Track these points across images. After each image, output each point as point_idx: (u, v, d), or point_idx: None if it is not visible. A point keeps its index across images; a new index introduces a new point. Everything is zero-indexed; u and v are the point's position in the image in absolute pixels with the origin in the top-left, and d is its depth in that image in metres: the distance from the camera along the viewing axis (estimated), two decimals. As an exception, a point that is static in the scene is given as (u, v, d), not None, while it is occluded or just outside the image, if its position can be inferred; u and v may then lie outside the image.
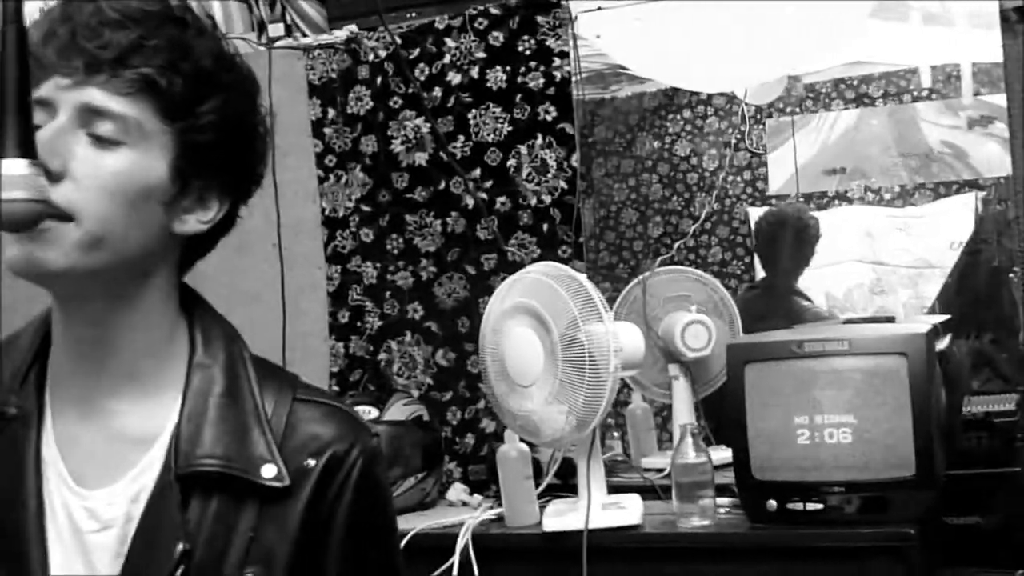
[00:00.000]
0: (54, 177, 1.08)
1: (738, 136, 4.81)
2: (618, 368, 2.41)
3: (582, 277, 2.47)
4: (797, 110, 4.75)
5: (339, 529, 1.19)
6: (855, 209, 4.62)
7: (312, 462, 1.17)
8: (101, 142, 1.11)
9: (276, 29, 3.18)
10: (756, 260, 4.44)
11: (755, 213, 4.60)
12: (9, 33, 1.03)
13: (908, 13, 2.76)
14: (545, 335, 2.44)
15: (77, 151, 1.10)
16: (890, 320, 2.82)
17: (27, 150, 1.02)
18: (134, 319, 1.17)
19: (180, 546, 1.11)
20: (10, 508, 1.14)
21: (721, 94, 4.62)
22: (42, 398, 1.18)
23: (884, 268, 4.25)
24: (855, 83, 4.70)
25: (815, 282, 4.07)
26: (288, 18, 3.23)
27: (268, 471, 1.15)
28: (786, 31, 3.11)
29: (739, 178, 4.84)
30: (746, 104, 4.70)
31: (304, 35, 3.20)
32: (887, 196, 4.63)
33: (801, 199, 4.66)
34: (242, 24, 3.22)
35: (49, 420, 1.18)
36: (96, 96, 1.11)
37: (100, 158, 1.11)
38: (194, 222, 1.18)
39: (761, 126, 4.81)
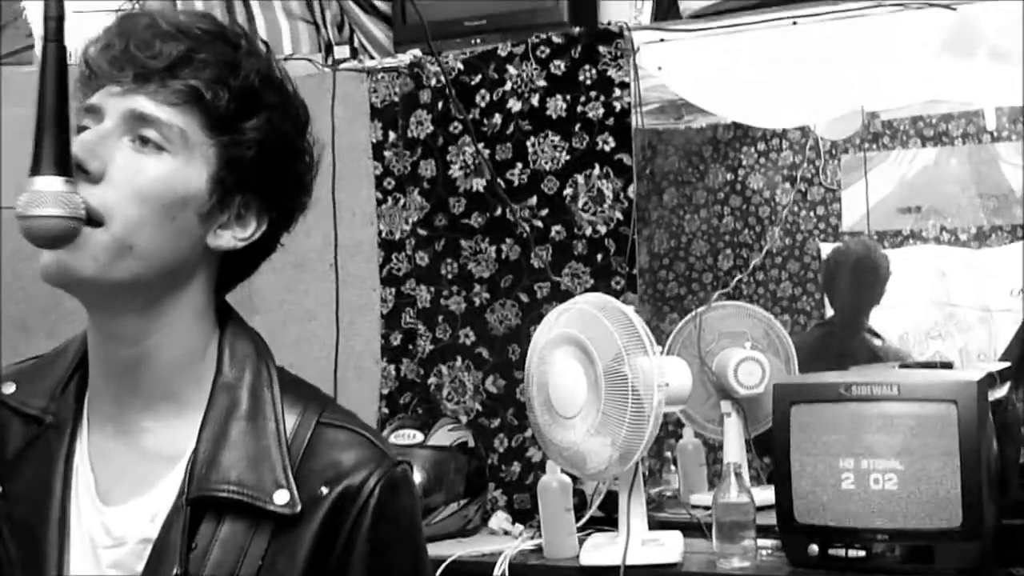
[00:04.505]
0: (92, 178, 1.09)
1: (812, 171, 4.76)
2: (662, 403, 2.39)
3: (629, 310, 2.45)
4: (873, 146, 4.69)
5: (359, 560, 1.17)
6: (928, 248, 4.55)
7: (325, 490, 1.16)
8: (143, 147, 1.13)
9: (342, 51, 3.21)
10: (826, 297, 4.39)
11: (827, 249, 4.54)
12: (49, 51, 1.05)
13: (975, 50, 2.71)
14: (589, 367, 2.43)
15: (118, 155, 1.12)
16: (947, 366, 2.77)
17: (63, 167, 1.04)
18: (166, 336, 1.17)
19: (175, 571, 1.11)
20: (35, 513, 1.15)
21: (797, 128, 4.58)
22: (80, 409, 1.20)
23: (952, 310, 4.17)
24: (934, 121, 4.63)
25: (884, 321, 4.00)
26: (355, 40, 3.26)
27: (280, 497, 1.14)
28: (859, 65, 3.07)
29: (812, 213, 4.79)
30: (821, 139, 4.65)
31: (370, 57, 3.22)
32: (963, 237, 4.55)
33: (874, 236, 4.59)
34: (309, 45, 3.25)
35: (85, 432, 1.19)
36: (143, 104, 1.13)
37: (140, 162, 1.12)
38: (230, 238, 1.19)
39: (836, 161, 4.76)
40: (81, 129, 1.13)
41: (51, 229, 1.03)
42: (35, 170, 1.03)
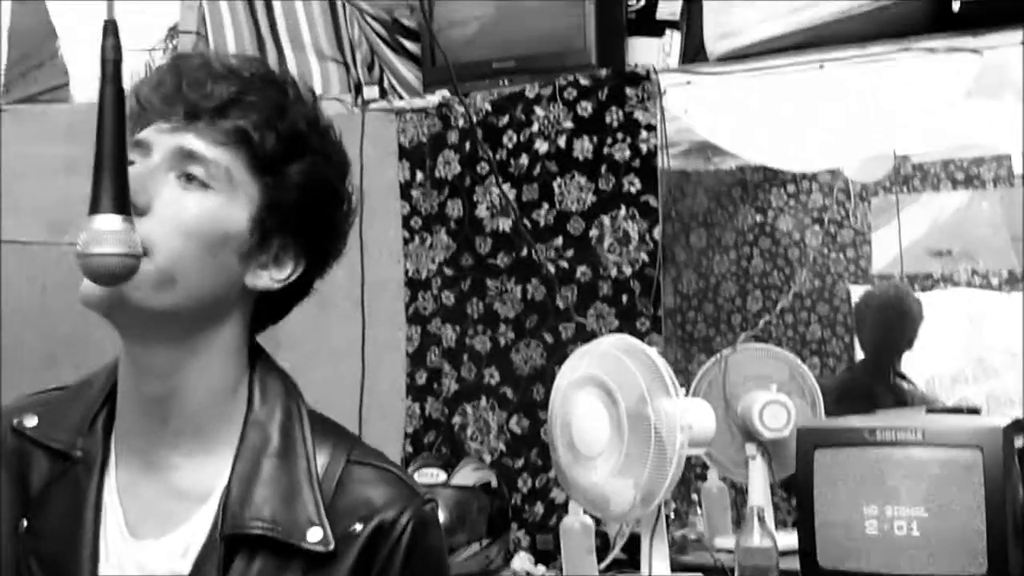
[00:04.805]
0: (138, 211, 1.11)
1: (842, 213, 4.75)
2: (684, 445, 2.38)
3: (653, 351, 2.45)
4: (904, 189, 4.67)
5: None
6: (959, 292, 4.52)
7: (359, 527, 1.17)
8: (189, 184, 1.15)
9: (371, 91, 3.24)
10: (856, 340, 4.36)
11: (857, 292, 4.53)
12: (108, 92, 1.08)
13: (1002, 94, 2.71)
14: (613, 408, 2.42)
15: (163, 190, 1.14)
16: (974, 411, 2.74)
17: (121, 206, 1.07)
18: (199, 371, 1.19)
19: None
20: (67, 549, 1.17)
21: (827, 171, 4.58)
22: (108, 443, 1.21)
23: (980, 355, 4.14)
24: (965, 164, 4.62)
25: (911, 365, 3.98)
26: (385, 81, 3.29)
27: (314, 535, 1.16)
28: (888, 108, 3.07)
29: (842, 255, 4.77)
30: (851, 181, 4.64)
31: (399, 98, 3.25)
32: (994, 281, 4.52)
33: (905, 280, 4.57)
34: (339, 85, 3.29)
35: (113, 466, 1.20)
36: (191, 141, 1.15)
37: (184, 198, 1.14)
38: (268, 278, 1.21)
39: (866, 204, 4.75)
40: (129, 163, 1.15)
41: (111, 267, 1.06)
42: (94, 208, 1.06)
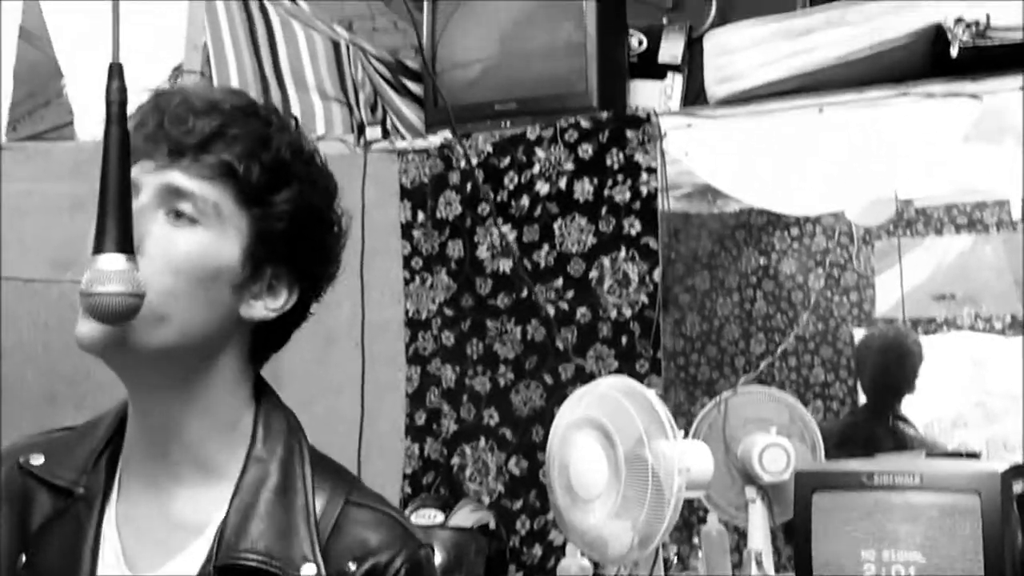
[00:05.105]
0: None
1: (845, 256, 4.76)
2: (682, 488, 2.37)
3: (651, 393, 2.44)
4: (907, 233, 4.68)
5: None
6: (961, 336, 4.51)
7: (353, 567, 1.17)
8: (178, 220, 1.16)
9: (374, 132, 3.25)
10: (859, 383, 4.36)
11: (860, 335, 4.52)
12: (113, 133, 1.09)
13: (1002, 139, 2.72)
14: (610, 450, 2.42)
15: (153, 229, 1.15)
16: (974, 456, 2.73)
17: (125, 245, 1.08)
18: (200, 405, 1.20)
19: None
20: None
21: (830, 214, 4.59)
22: (111, 480, 1.22)
23: (981, 399, 4.13)
24: (968, 209, 4.63)
25: (911, 408, 3.97)
26: (388, 121, 3.31)
27: (308, 570, 1.16)
28: (889, 152, 3.08)
29: (845, 299, 4.78)
30: (855, 225, 4.65)
31: (402, 138, 3.26)
32: (997, 325, 4.52)
33: (908, 323, 4.57)
34: (342, 126, 3.30)
35: (115, 500, 1.21)
36: (177, 178, 1.16)
37: (174, 235, 1.15)
38: (262, 308, 1.21)
39: (869, 247, 4.75)
40: None
41: (115, 306, 1.07)
42: (98, 248, 1.08)
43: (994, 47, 2.45)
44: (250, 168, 1.17)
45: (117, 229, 1.08)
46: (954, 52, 2.47)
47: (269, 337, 1.26)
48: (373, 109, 3.33)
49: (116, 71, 1.11)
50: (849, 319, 4.77)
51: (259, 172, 1.17)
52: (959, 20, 2.48)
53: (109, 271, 1.07)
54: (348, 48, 3.28)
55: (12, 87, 3.38)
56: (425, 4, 3.19)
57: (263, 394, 1.26)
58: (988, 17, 2.45)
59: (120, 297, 1.07)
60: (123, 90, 1.11)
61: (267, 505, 1.19)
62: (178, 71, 3.11)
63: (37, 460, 1.24)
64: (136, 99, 1.18)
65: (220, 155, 1.16)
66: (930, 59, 2.56)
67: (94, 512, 1.19)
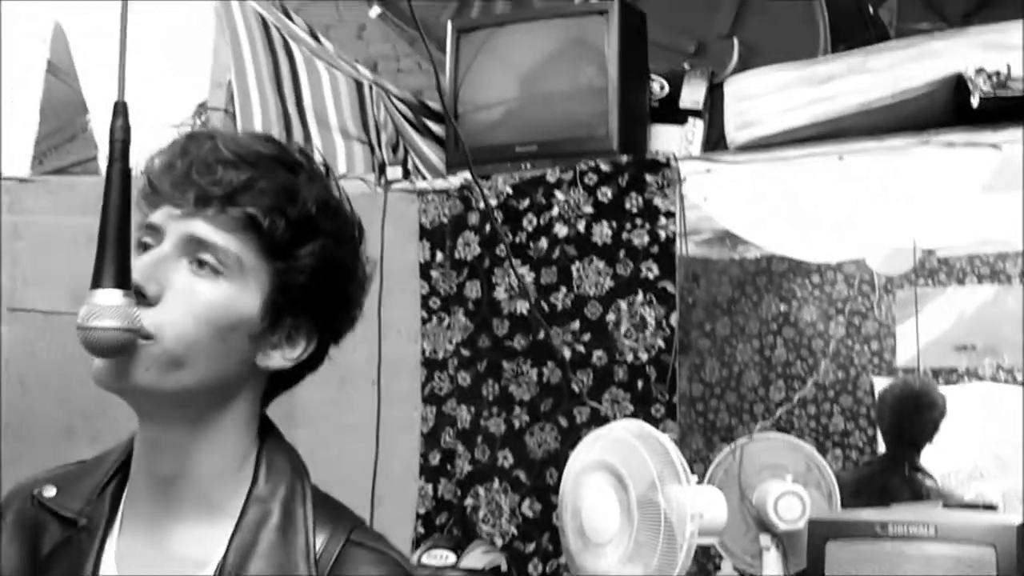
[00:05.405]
0: (150, 301, 1.13)
1: (867, 305, 4.75)
2: (695, 534, 2.35)
3: (664, 438, 2.44)
4: (929, 283, 4.67)
5: None
6: (982, 387, 4.49)
7: None
8: (200, 270, 1.16)
9: (394, 172, 3.27)
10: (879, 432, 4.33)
11: (881, 384, 4.50)
12: (114, 171, 1.11)
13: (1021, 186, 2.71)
14: (623, 494, 2.41)
15: (176, 278, 1.16)
16: (991, 508, 2.71)
17: (122, 281, 1.10)
18: (210, 447, 1.20)
19: None
20: None
21: (851, 262, 4.58)
22: (114, 512, 1.23)
23: (998, 450, 4.10)
24: (990, 259, 4.61)
25: (934, 459, 3.94)
26: (409, 162, 3.32)
27: None
28: (909, 201, 3.08)
29: (866, 347, 4.76)
30: (876, 273, 4.64)
31: (422, 178, 3.27)
32: (1019, 376, 4.49)
33: (928, 373, 4.55)
34: (363, 165, 3.32)
35: (115, 534, 1.22)
36: (202, 228, 1.16)
37: (196, 285, 1.16)
38: (279, 358, 1.22)
39: (891, 296, 4.74)
40: (141, 244, 1.18)
41: (109, 341, 1.09)
42: (96, 283, 1.09)
43: (1014, 97, 2.45)
44: (275, 222, 1.17)
45: (115, 265, 1.09)
46: (975, 102, 2.47)
47: (283, 381, 1.27)
48: (395, 149, 3.34)
49: (120, 109, 1.12)
50: (869, 368, 4.76)
51: (284, 226, 1.18)
52: (980, 70, 2.48)
53: (105, 306, 1.08)
54: (371, 88, 3.30)
55: (39, 121, 3.42)
56: (448, 46, 3.21)
57: (267, 432, 1.26)
58: (1009, 68, 2.45)
59: (114, 332, 1.08)
60: (127, 128, 1.12)
61: (267, 545, 1.19)
62: (202, 108, 3.14)
63: (49, 492, 1.25)
64: (162, 136, 1.19)
65: (246, 208, 1.17)
66: (951, 108, 2.56)
67: (95, 543, 1.20)
